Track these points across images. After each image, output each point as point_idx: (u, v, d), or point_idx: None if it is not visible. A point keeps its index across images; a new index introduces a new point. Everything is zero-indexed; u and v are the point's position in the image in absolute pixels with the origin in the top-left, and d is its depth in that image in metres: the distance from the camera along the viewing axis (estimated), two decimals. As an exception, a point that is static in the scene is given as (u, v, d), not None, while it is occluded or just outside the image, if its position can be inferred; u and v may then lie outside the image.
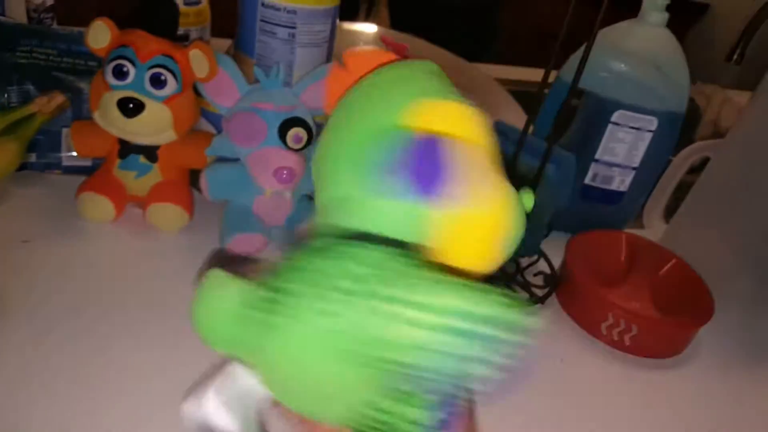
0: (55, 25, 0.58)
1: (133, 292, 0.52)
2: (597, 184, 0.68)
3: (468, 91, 0.86)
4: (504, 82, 0.97)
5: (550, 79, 0.55)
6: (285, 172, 0.52)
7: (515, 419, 0.48)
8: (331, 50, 0.60)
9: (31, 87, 0.59)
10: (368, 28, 1.05)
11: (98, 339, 0.47)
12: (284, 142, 0.54)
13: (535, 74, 1.13)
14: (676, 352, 0.58)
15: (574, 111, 0.70)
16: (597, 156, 0.66)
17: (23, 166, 0.60)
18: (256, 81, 0.55)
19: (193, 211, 0.59)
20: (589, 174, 0.67)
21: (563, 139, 0.70)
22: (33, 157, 0.61)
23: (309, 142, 0.55)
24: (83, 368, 0.45)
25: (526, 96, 0.93)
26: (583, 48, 0.52)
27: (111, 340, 0.47)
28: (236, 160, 0.56)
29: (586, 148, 0.66)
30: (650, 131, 0.64)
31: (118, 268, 0.54)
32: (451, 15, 1.39)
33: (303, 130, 0.54)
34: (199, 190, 0.61)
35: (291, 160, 0.53)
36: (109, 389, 0.44)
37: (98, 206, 0.56)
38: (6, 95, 0.59)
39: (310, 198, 0.62)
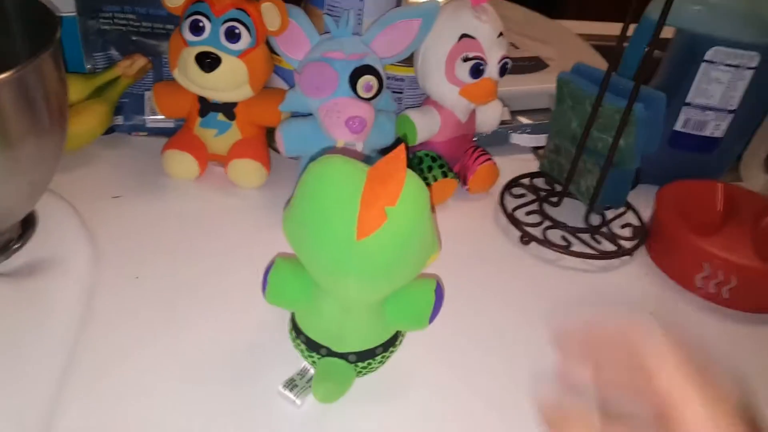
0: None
1: (214, 244, 0.53)
2: (688, 130, 0.63)
3: (549, 44, 0.83)
4: (584, 37, 0.92)
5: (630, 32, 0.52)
6: (356, 121, 0.52)
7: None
8: (401, -3, 0.59)
9: (114, 52, 0.62)
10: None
11: (181, 285, 0.49)
12: (355, 91, 0.53)
13: (614, 28, 1.08)
14: (781, 305, 0.53)
15: (659, 59, 0.66)
16: (688, 99, 0.62)
17: (111, 129, 0.63)
18: (327, 32, 0.55)
19: (270, 168, 0.60)
20: (680, 119, 0.63)
21: (650, 85, 0.66)
22: (120, 120, 0.63)
23: (379, 90, 0.55)
24: (169, 310, 0.46)
25: (607, 49, 0.88)
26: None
27: (193, 287, 0.49)
28: (309, 115, 0.57)
29: (675, 92, 0.62)
30: (751, 68, 0.59)
31: (201, 221, 0.55)
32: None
33: (374, 78, 0.54)
34: (275, 149, 0.62)
35: (362, 109, 0.53)
36: (192, 328, 0.45)
37: (182, 162, 0.58)
38: (93, 61, 0.62)
39: (380, 153, 0.62)
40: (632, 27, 0.60)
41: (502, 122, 0.63)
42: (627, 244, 0.58)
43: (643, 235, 0.59)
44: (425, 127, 0.57)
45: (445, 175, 0.58)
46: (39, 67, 0.42)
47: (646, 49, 0.64)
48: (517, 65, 0.73)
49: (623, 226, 0.60)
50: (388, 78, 0.59)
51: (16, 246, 0.49)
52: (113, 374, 0.41)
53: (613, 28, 1.01)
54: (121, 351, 0.43)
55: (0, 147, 0.41)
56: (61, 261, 0.48)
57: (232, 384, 0.42)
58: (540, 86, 0.72)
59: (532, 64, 0.75)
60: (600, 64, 0.81)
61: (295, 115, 0.58)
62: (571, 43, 0.85)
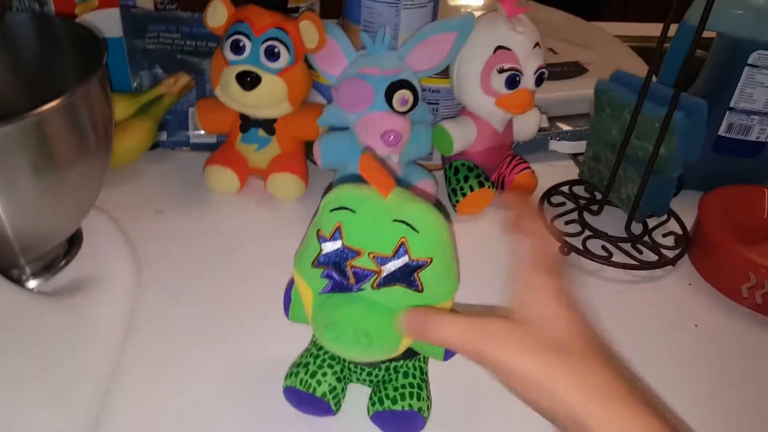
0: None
1: (254, 257, 0.54)
2: (733, 135, 0.62)
3: (589, 48, 0.81)
4: (624, 39, 0.91)
5: (671, 33, 0.51)
6: (392, 135, 0.52)
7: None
8: (436, 9, 0.59)
9: (159, 70, 0.64)
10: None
11: (223, 301, 0.50)
12: (391, 105, 0.54)
13: (655, 29, 1.06)
14: (833, 315, 0.52)
15: (702, 59, 0.64)
16: (732, 104, 0.60)
17: (155, 145, 0.65)
18: (363, 48, 0.56)
19: (308, 181, 0.61)
20: (724, 124, 0.61)
21: (691, 89, 0.64)
22: (164, 136, 0.65)
23: (415, 104, 0.55)
24: (210, 327, 0.48)
25: (648, 51, 0.87)
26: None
27: (234, 302, 0.50)
28: (347, 128, 0.57)
29: (718, 96, 0.60)
30: (796, 72, 0.57)
31: (241, 235, 0.57)
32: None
33: (409, 92, 0.54)
34: (314, 162, 0.63)
35: (397, 123, 0.53)
36: (234, 344, 0.47)
37: (223, 177, 0.59)
38: (138, 79, 0.64)
39: (417, 164, 0.62)
40: (674, 27, 0.59)
41: (541, 129, 0.63)
42: (669, 254, 0.57)
43: (686, 243, 0.58)
44: (461, 137, 0.57)
45: (481, 185, 0.58)
46: (87, 92, 0.43)
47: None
48: (555, 71, 0.72)
49: (665, 235, 0.59)
50: (424, 90, 0.59)
51: (62, 263, 0.50)
52: (155, 392, 0.42)
53: (655, 29, 0.99)
54: (163, 368, 0.44)
55: (48, 170, 0.42)
56: (104, 279, 0.49)
57: (275, 399, 0.42)
58: (579, 92, 0.71)
59: (571, 69, 0.74)
60: (640, 67, 0.79)
61: (332, 128, 0.59)
62: (610, 46, 0.84)
